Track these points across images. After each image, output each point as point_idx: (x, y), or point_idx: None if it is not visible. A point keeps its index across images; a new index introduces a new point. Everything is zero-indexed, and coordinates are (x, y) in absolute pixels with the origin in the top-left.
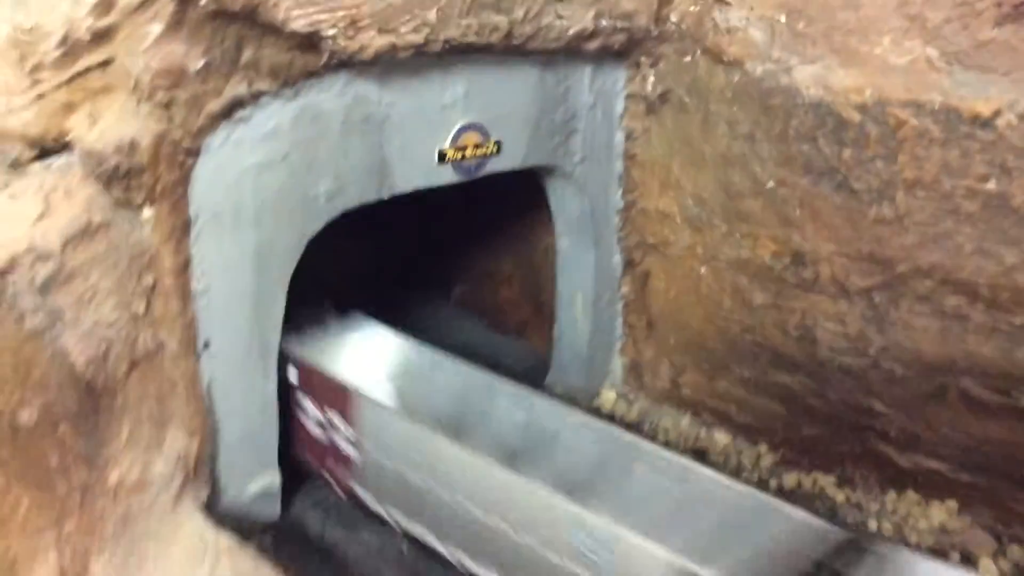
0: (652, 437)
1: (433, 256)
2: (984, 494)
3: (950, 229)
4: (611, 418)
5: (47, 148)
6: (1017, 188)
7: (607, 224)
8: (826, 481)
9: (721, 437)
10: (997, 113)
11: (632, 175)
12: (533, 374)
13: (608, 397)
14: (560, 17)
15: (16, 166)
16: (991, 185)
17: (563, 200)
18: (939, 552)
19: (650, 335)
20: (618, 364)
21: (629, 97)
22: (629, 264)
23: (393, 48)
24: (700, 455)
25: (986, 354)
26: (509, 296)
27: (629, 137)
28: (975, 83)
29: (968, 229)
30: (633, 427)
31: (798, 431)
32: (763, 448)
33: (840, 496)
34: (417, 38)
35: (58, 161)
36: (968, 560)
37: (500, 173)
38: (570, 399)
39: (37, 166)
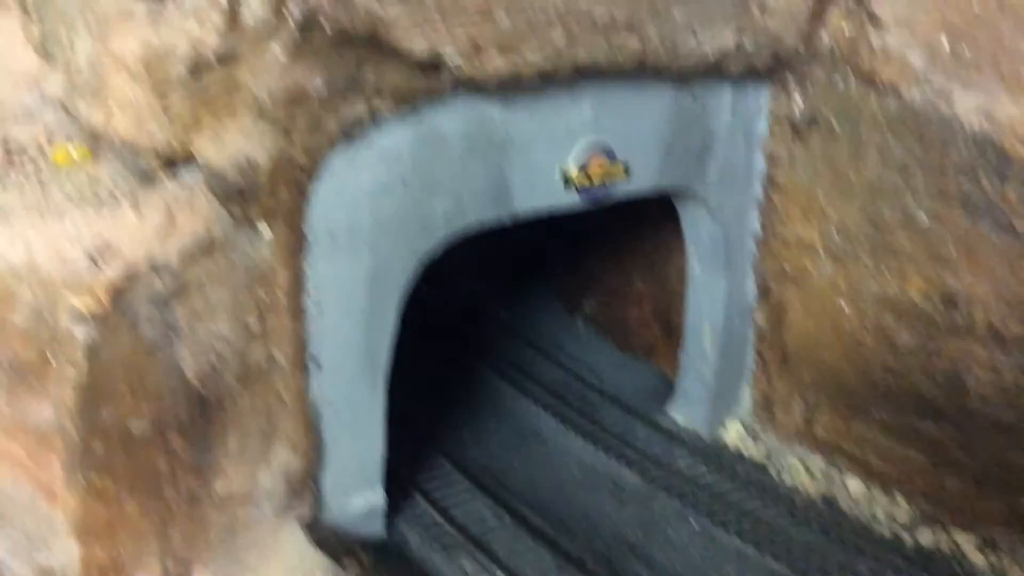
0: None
1: (563, 268)
2: None
3: None
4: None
5: (183, 163)
6: None
7: (742, 251)
8: (966, 542)
9: (855, 485)
10: None
11: (772, 201)
12: (657, 400)
13: (734, 430)
14: (698, 39)
15: (145, 177)
16: None
17: (696, 223)
18: None
19: (784, 369)
20: (747, 396)
21: (773, 119)
22: (764, 293)
23: (517, 71)
24: (830, 504)
25: None
26: (639, 316)
27: (771, 161)
28: None
29: None
30: (759, 468)
31: (940, 485)
32: (900, 500)
33: (981, 559)
34: (542, 62)
35: (183, 176)
36: None
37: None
38: (691, 431)
39: (164, 178)
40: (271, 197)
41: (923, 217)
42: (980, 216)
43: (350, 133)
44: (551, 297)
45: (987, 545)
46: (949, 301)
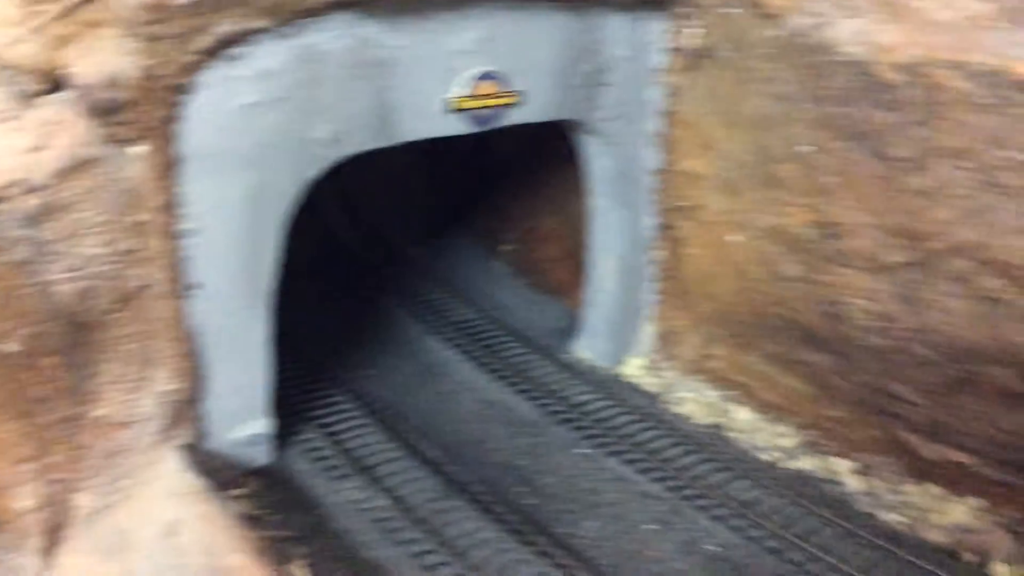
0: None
1: (485, 211)
2: (1011, 492)
3: (990, 204)
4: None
5: (57, 81)
6: None
7: (640, 185)
8: (844, 467)
9: (744, 415)
10: None
11: (668, 134)
12: (563, 337)
13: (635, 364)
14: None
15: (23, 97)
16: None
17: (593, 157)
18: (951, 552)
19: (683, 304)
20: (648, 331)
21: (669, 50)
22: (663, 228)
23: None
24: (718, 433)
25: (1022, 342)
26: (552, 255)
27: (668, 93)
28: None
29: (1011, 205)
30: (654, 400)
31: (821, 413)
32: (785, 428)
33: (856, 483)
34: None
35: (59, 95)
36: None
37: (526, 126)
38: (592, 365)
39: (40, 98)
40: (142, 114)
41: (805, 147)
42: (857, 144)
43: (224, 50)
44: (473, 239)
45: (863, 470)
46: (829, 230)
